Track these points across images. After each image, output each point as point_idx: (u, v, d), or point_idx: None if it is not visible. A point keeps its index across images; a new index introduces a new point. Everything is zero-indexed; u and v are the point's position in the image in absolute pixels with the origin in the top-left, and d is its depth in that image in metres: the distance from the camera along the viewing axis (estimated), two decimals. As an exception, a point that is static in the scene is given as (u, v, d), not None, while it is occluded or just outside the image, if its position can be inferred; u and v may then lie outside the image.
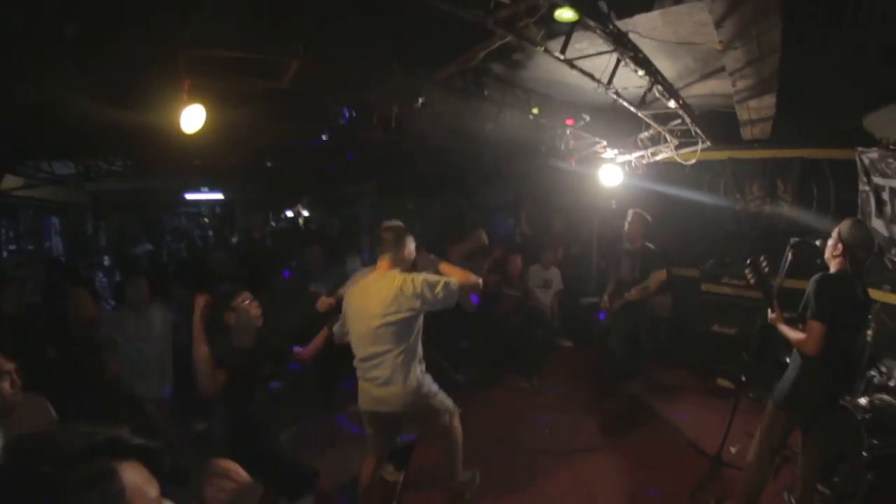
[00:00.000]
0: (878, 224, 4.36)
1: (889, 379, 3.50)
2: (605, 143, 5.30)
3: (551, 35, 2.76)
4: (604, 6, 2.58)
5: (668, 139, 4.79)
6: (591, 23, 2.53)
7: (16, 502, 0.73)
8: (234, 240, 11.73)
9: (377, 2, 2.86)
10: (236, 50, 2.85)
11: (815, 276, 2.70)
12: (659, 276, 4.87)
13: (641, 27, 3.01)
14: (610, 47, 2.89)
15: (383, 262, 3.00)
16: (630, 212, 5.09)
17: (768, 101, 3.98)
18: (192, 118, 2.94)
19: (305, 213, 13.93)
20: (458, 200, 8.92)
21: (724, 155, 5.83)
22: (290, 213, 14.47)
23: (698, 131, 4.61)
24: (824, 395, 2.74)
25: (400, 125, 4.14)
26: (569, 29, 2.68)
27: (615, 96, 3.45)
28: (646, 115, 4.20)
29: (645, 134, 5.03)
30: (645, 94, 3.70)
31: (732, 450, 3.62)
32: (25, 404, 1.90)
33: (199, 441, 4.06)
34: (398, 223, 3.48)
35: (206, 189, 11.48)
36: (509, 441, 4.23)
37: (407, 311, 2.83)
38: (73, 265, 7.34)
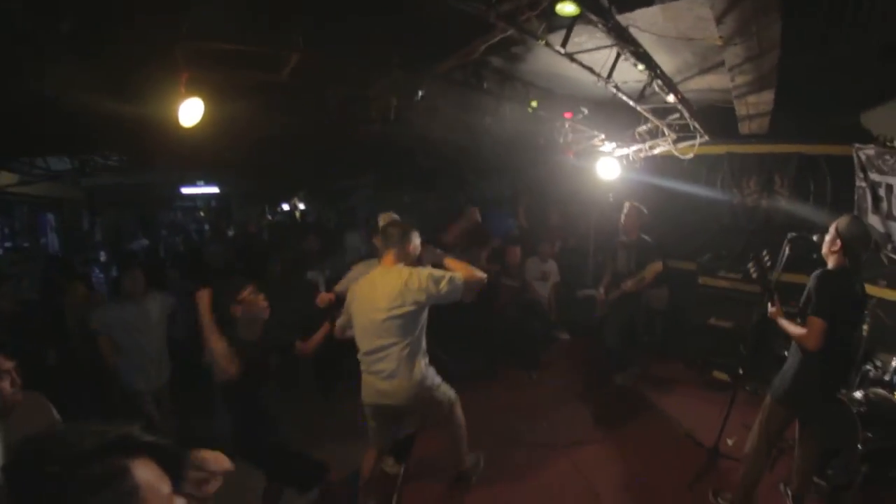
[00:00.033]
0: (874, 220, 4.38)
1: (884, 373, 3.55)
2: (603, 136, 5.29)
3: (552, 29, 2.75)
4: (605, 0, 2.57)
5: (667, 133, 4.79)
6: (593, 17, 2.52)
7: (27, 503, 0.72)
8: (231, 233, 11.67)
9: (377, 2, 2.84)
10: (235, 43, 2.83)
11: (816, 272, 2.72)
12: (655, 267, 4.89)
13: (641, 21, 3.00)
14: (610, 41, 2.90)
15: (389, 257, 3.02)
16: (626, 204, 5.12)
17: (767, 97, 3.99)
18: (191, 111, 2.91)
19: (302, 207, 13.86)
20: (454, 193, 8.91)
21: (721, 149, 5.83)
22: (286, 207, 14.40)
23: (696, 126, 4.62)
24: (823, 390, 2.76)
25: (399, 118, 4.12)
26: (570, 23, 2.68)
27: (615, 90, 3.45)
28: (644, 109, 4.20)
29: (643, 128, 5.03)
30: (644, 88, 3.71)
31: (729, 441, 3.65)
32: (25, 403, 1.90)
33: (199, 436, 4.06)
34: (393, 215, 3.46)
35: (201, 183, 11.43)
36: (507, 433, 4.26)
37: (412, 305, 2.85)
38: (69, 261, 7.30)
